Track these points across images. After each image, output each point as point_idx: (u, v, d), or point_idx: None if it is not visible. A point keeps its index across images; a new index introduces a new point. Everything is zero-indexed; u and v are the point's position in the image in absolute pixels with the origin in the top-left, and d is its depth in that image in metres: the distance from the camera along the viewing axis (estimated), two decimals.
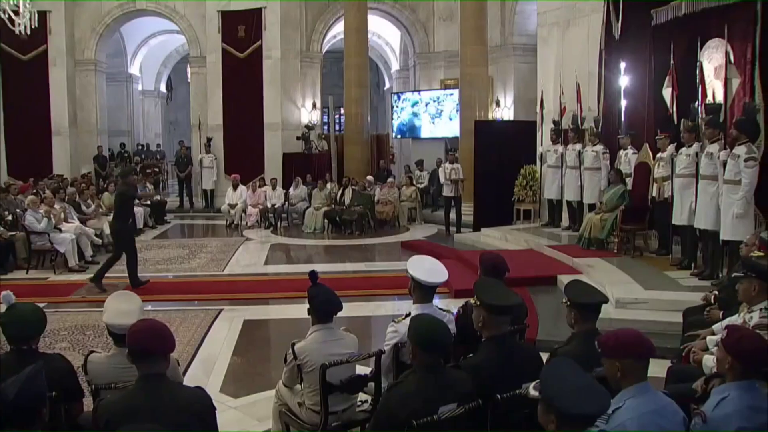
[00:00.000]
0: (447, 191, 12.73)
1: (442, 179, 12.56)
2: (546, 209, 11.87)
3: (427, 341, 2.82)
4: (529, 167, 12.32)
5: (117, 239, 8.65)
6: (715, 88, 7.79)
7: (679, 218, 7.69)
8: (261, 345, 6.65)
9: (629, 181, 9.31)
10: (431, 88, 18.16)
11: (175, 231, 14.50)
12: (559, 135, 11.22)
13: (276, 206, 14.38)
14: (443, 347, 2.89)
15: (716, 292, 5.06)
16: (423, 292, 3.74)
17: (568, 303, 3.32)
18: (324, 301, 3.67)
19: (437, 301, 4.01)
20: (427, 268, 3.75)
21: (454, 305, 4.33)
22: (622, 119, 10.13)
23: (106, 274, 8.61)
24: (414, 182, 15.52)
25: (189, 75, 19.44)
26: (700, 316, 4.83)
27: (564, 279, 7.28)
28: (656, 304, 6.55)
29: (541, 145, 11.92)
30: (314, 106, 17.30)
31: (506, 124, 15.49)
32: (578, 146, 10.67)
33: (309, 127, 16.87)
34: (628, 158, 9.44)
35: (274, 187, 14.75)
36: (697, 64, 7.59)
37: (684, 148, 7.64)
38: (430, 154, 17.19)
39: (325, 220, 13.56)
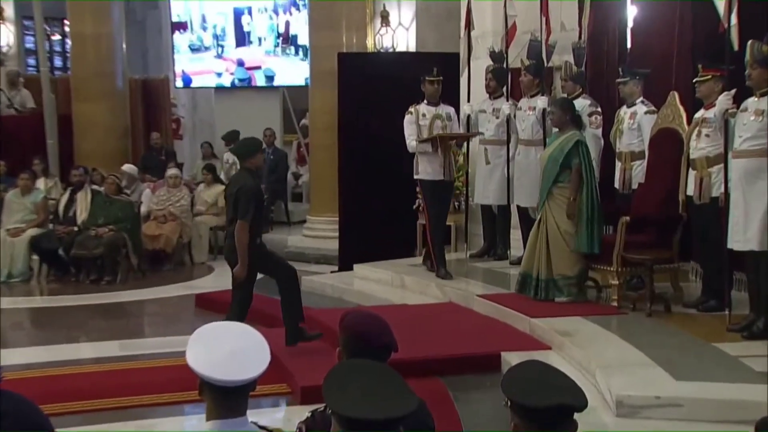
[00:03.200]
0: (426, 170, 11.03)
1: (411, 144, 11.18)
2: (480, 225, 12.15)
3: None
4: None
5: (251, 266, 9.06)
6: None
7: (742, 238, 7.85)
8: None
9: (638, 164, 9.65)
10: None
11: None
12: (504, 80, 11.43)
13: None
14: None
15: None
16: (218, 397, 3.59)
17: (509, 404, 3.46)
18: (15, 428, 3.36)
19: (260, 412, 3.97)
20: (222, 352, 3.55)
21: (296, 417, 4.59)
22: (627, 47, 10.64)
23: None
24: (221, 176, 15.91)
25: None
26: None
27: (514, 359, 7.53)
28: (699, 408, 6.74)
29: (469, 100, 12.10)
30: (0, 16, 17.77)
31: (401, 60, 15.65)
32: (541, 101, 10.82)
33: None
34: (635, 122, 9.73)
35: None
36: None
37: (752, 99, 7.81)
38: (252, 119, 17.65)
39: (33, 256, 13.84)
